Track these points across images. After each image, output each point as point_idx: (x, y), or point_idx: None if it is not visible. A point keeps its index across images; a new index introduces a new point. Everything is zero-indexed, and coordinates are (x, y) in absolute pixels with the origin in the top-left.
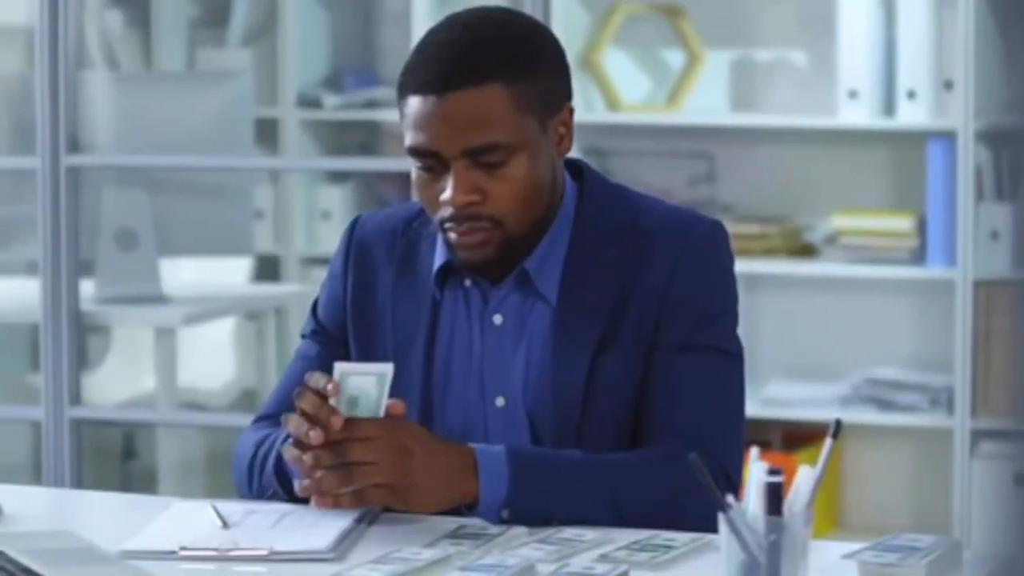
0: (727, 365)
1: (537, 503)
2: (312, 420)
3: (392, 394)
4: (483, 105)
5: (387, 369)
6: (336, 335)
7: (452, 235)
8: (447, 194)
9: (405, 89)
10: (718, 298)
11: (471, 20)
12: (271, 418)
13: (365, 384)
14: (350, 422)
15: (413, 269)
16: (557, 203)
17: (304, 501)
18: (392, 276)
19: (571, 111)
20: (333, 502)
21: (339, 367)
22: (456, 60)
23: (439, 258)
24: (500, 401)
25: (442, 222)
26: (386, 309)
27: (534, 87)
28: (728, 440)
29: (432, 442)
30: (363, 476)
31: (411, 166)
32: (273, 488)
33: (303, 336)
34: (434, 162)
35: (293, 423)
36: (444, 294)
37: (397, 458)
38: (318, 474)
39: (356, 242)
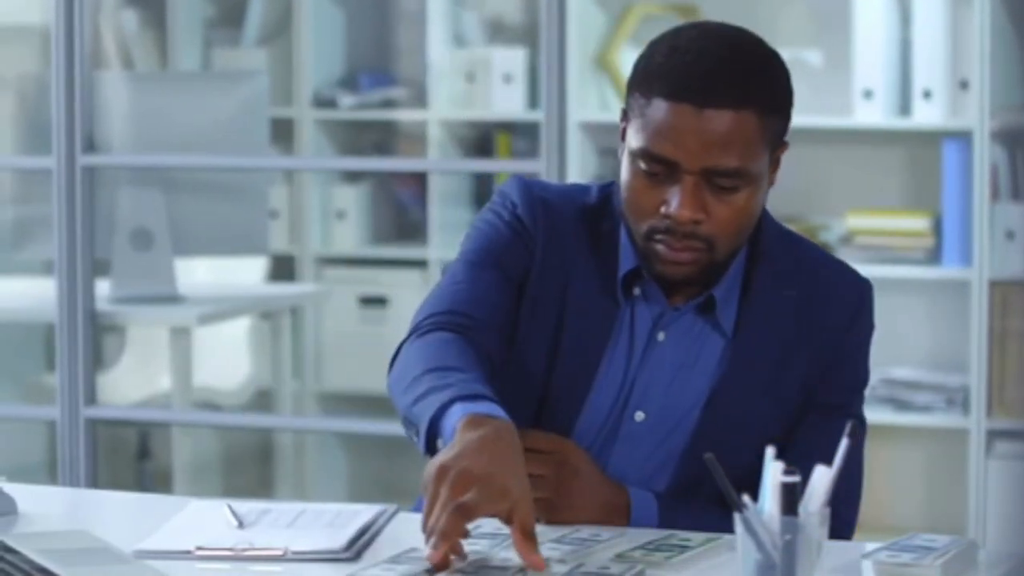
0: (864, 438)
1: None
2: None
3: (549, 387)
4: (737, 129)
5: None
6: (512, 275)
7: (660, 247)
8: (673, 207)
9: (652, 90)
10: (868, 365)
11: (731, 38)
12: (441, 316)
13: None
14: (524, 431)
15: (600, 260)
16: None
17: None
18: (580, 259)
19: (785, 149)
20: None
21: None
22: (723, 77)
23: (626, 262)
24: (639, 416)
25: (653, 231)
26: (564, 290)
27: (778, 122)
28: (853, 516)
29: (596, 471)
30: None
31: (628, 163)
32: (415, 431)
33: (462, 261)
34: (663, 169)
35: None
36: (627, 297)
37: (562, 476)
38: None
39: (543, 205)
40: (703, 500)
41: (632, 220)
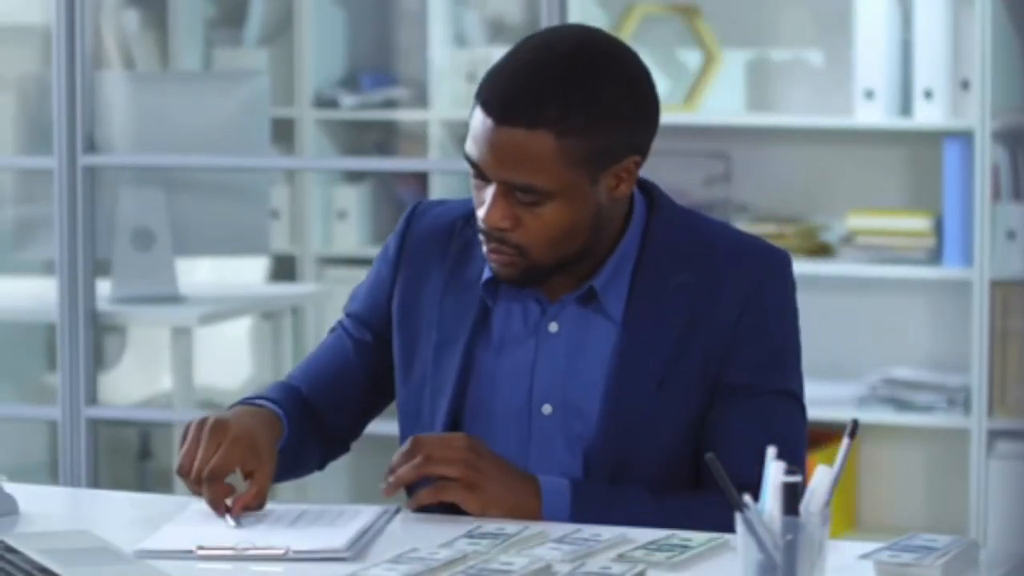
0: (793, 409)
1: None
2: None
3: (424, 393)
4: (528, 149)
5: None
6: (368, 320)
7: (484, 247)
8: (482, 212)
9: (478, 93)
10: (787, 335)
11: (551, 54)
12: (292, 389)
13: None
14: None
15: (466, 267)
16: (617, 230)
17: None
18: (444, 273)
19: (636, 163)
20: (415, 503)
21: None
22: (517, 96)
23: None
24: (547, 409)
25: (479, 230)
26: (434, 306)
27: (586, 144)
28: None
29: (502, 458)
30: (435, 466)
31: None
32: None
33: (343, 317)
34: (480, 173)
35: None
36: (499, 297)
37: (468, 456)
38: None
39: (412, 233)
40: (625, 503)
41: None
